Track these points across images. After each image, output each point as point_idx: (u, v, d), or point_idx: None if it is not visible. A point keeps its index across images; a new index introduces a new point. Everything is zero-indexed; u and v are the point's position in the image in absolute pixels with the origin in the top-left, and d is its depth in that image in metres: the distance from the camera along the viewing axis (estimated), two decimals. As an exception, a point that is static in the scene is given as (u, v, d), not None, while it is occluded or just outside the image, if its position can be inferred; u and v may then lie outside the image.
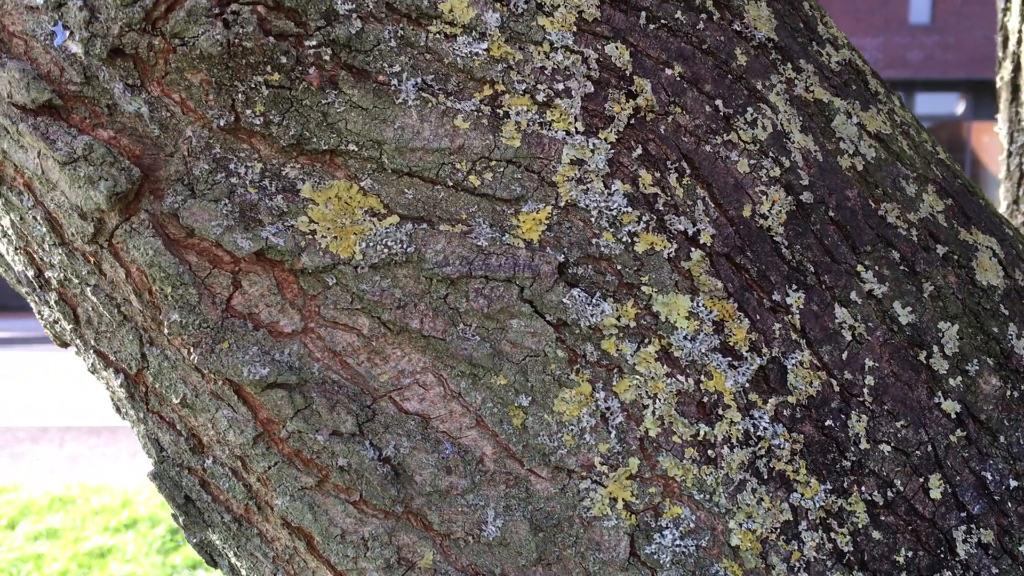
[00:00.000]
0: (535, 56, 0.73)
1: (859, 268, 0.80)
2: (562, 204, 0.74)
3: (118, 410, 0.86)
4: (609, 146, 0.74)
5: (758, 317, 0.76)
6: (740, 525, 0.76)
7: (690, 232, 0.75)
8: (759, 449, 0.76)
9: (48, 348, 9.69)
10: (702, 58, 0.78)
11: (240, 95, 0.68)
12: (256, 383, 0.72)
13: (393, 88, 0.70)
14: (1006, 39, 1.58)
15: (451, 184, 0.72)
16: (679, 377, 0.75)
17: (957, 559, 0.79)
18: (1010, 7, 1.57)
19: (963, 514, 0.80)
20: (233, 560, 0.85)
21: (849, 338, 0.78)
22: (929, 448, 0.79)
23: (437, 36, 0.71)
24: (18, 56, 0.69)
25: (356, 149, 0.71)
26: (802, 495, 0.76)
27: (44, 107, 0.68)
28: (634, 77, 0.75)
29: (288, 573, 0.81)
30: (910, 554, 0.78)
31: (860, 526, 0.78)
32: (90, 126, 0.69)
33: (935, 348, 0.81)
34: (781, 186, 0.78)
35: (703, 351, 0.75)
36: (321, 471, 0.75)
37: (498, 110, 0.73)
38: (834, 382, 0.77)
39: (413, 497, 0.75)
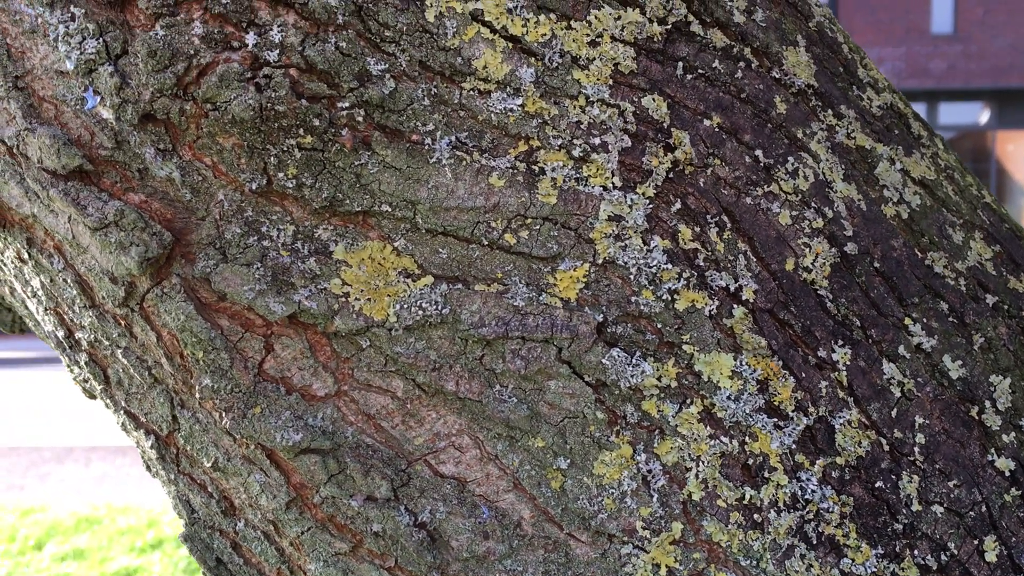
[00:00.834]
0: (571, 110, 0.71)
1: (907, 321, 0.77)
2: (600, 261, 0.72)
3: (148, 468, 0.85)
4: (647, 201, 0.72)
5: (804, 375, 0.74)
6: (787, 590, 0.73)
7: (732, 288, 0.73)
8: (807, 513, 0.73)
9: (74, 367, 9.74)
10: (741, 107, 0.76)
11: (272, 158, 0.67)
12: (289, 449, 0.70)
13: (427, 147, 0.69)
14: None
15: (486, 243, 0.71)
16: (723, 439, 0.73)
17: (1014, 623, 0.76)
18: None
19: (1019, 576, 0.77)
20: (265, 621, 0.84)
21: (898, 395, 0.76)
22: (983, 508, 0.76)
23: (471, 93, 0.70)
24: (48, 121, 0.68)
25: (390, 210, 0.69)
26: (853, 560, 0.74)
27: (75, 172, 0.68)
28: (672, 129, 0.73)
29: (321, 637, 0.80)
30: (965, 619, 0.75)
31: (912, 590, 0.75)
32: (121, 190, 0.68)
33: (987, 403, 0.78)
34: (824, 237, 0.76)
35: (747, 411, 0.73)
36: (355, 537, 0.73)
37: (533, 166, 0.71)
38: (884, 441, 0.75)
39: (449, 563, 0.73)
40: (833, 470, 0.74)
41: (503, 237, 0.71)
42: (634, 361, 0.72)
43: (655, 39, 0.73)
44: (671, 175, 0.73)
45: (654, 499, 0.72)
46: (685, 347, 0.72)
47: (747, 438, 0.73)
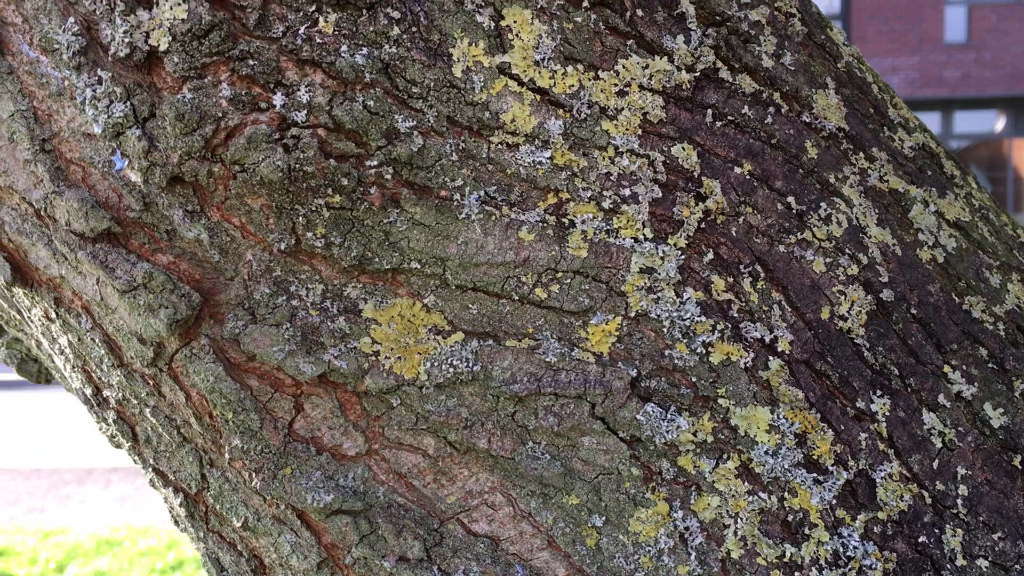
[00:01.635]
0: (600, 162, 0.70)
1: (946, 368, 0.75)
2: (632, 315, 0.71)
3: (177, 524, 0.84)
4: (679, 252, 0.71)
5: (842, 427, 0.72)
6: (829, 648, 0.72)
7: (767, 339, 0.72)
8: (849, 570, 0.71)
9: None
10: (772, 153, 0.75)
11: (301, 218, 0.67)
12: (320, 510, 0.70)
13: (456, 203, 0.68)
14: None
15: (517, 298, 0.70)
16: (761, 495, 0.71)
17: None
18: None
19: (1068, 630, 0.74)
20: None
21: (939, 445, 0.74)
22: (1029, 561, 0.74)
23: (499, 147, 0.69)
24: (76, 183, 0.68)
25: (419, 266, 0.68)
26: (896, 618, 0.72)
27: (103, 234, 0.67)
28: (702, 178, 0.72)
29: None
30: (1013, 675, 0.73)
31: (958, 646, 0.73)
32: (149, 251, 0.68)
33: (1031, 451, 0.76)
34: (860, 284, 0.75)
35: (786, 466, 0.71)
36: (387, 597, 0.72)
37: (563, 219, 0.70)
38: (926, 494, 0.73)
39: (483, 623, 0.72)
40: (875, 525, 0.72)
41: (534, 292, 0.70)
42: (669, 416, 0.71)
43: (684, 87, 0.72)
44: (703, 225, 0.72)
45: (692, 557, 0.71)
46: (721, 401, 0.71)
47: (786, 493, 0.71)
